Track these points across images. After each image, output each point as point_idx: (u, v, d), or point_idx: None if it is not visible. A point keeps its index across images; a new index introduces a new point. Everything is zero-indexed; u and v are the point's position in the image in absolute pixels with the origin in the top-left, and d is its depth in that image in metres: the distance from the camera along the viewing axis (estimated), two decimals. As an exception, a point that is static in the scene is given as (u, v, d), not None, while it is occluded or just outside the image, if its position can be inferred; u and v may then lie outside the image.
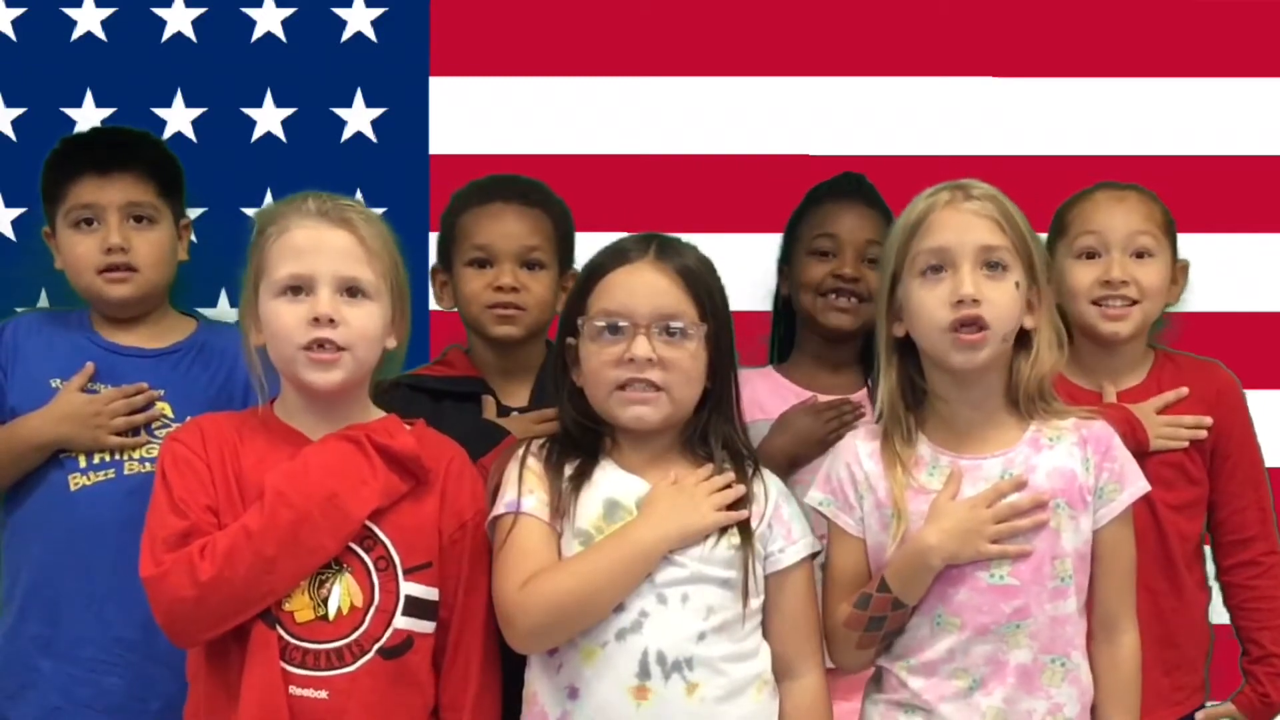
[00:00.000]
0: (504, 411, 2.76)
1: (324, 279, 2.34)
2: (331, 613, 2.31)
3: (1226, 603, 2.84)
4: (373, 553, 2.34)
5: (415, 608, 2.35)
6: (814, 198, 2.93)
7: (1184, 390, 2.80)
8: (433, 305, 3.03)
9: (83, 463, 2.75)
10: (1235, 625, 2.83)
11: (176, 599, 2.26)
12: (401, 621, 2.34)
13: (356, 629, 2.32)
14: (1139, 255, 2.79)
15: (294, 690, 2.28)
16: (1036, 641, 2.35)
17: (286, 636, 2.29)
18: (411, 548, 2.35)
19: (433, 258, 3.01)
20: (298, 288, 2.35)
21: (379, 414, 2.44)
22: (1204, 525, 2.83)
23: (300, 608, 2.30)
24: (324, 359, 2.34)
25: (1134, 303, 2.77)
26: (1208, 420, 2.79)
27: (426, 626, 2.37)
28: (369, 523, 2.33)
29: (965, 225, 2.37)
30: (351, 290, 2.36)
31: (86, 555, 2.71)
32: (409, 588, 2.35)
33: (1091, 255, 2.79)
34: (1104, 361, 2.83)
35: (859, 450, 2.43)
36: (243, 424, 2.41)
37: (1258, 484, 2.84)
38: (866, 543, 2.41)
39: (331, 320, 2.33)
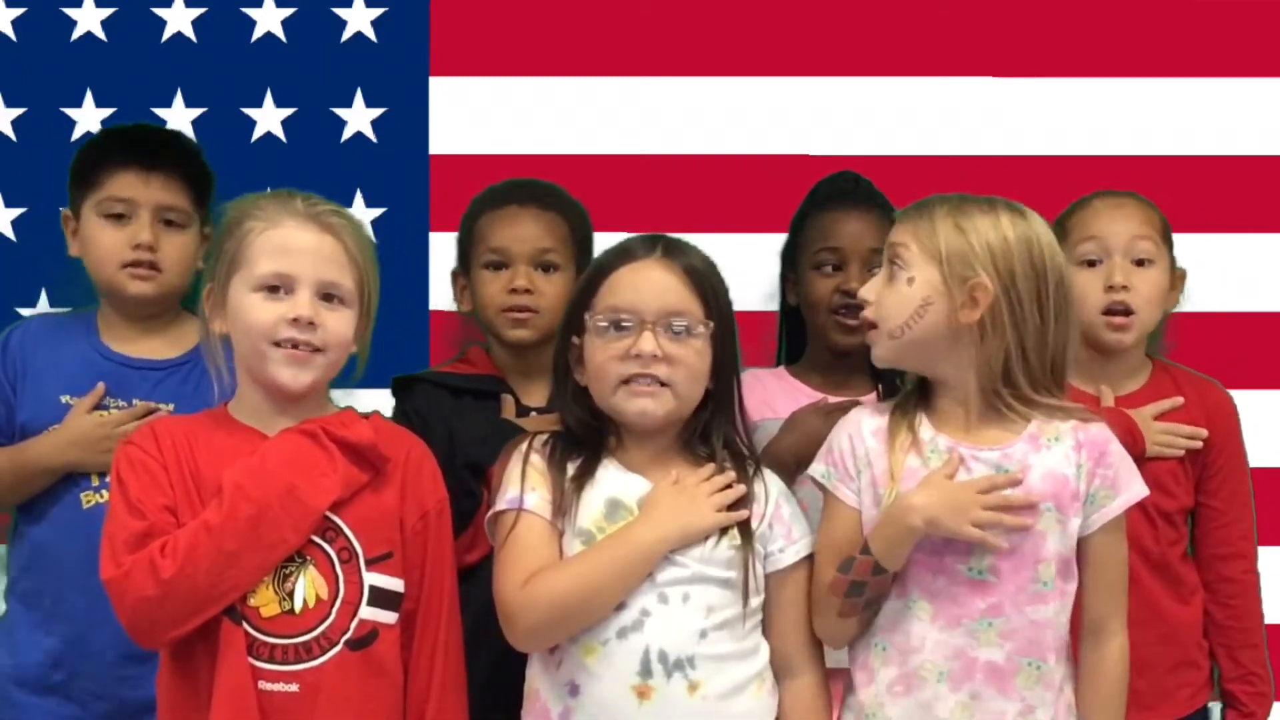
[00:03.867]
0: (523, 411, 2.76)
1: (305, 282, 2.35)
2: (298, 606, 2.31)
3: (1209, 617, 2.84)
4: (335, 544, 2.34)
5: (380, 599, 2.36)
6: (814, 201, 2.91)
7: (1179, 399, 2.82)
8: (434, 305, 3.03)
9: (95, 481, 2.74)
10: (1216, 642, 2.84)
11: (140, 598, 2.25)
12: (367, 612, 2.34)
13: (323, 621, 2.32)
14: (1139, 263, 2.81)
15: (264, 685, 2.28)
16: (1010, 642, 2.33)
17: (253, 632, 2.29)
18: (373, 539, 2.36)
19: (433, 258, 3.02)
20: (276, 286, 2.36)
21: (335, 410, 2.45)
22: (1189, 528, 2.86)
23: (265, 602, 2.30)
24: (300, 356, 2.35)
25: (1133, 313, 2.79)
26: (1204, 432, 2.81)
27: (392, 617, 2.37)
28: (330, 514, 2.33)
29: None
30: (330, 295, 2.37)
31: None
32: (373, 578, 2.35)
33: (1093, 263, 2.81)
34: (1101, 365, 2.84)
35: (863, 426, 2.42)
36: (197, 425, 2.41)
37: (1244, 503, 2.86)
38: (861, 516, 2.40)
39: (311, 323, 2.34)
